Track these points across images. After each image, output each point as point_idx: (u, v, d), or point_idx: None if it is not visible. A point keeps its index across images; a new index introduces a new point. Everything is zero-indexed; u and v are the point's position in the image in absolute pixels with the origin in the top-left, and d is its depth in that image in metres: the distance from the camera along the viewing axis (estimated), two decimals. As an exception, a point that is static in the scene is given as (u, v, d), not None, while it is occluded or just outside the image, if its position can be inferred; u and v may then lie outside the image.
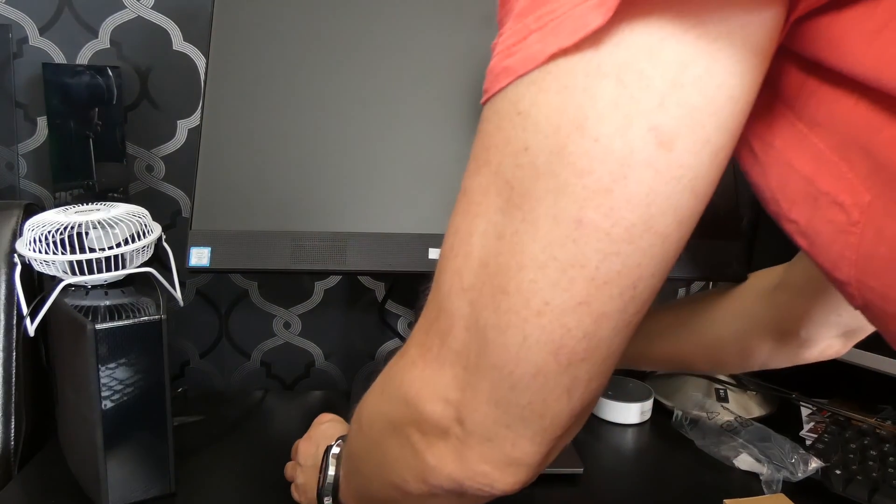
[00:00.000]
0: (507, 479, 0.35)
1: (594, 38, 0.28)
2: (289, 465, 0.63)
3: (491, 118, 0.32)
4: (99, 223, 0.60)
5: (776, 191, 0.34)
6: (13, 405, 0.71)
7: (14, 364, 0.72)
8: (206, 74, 0.67)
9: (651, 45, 0.27)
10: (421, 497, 0.38)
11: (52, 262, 0.60)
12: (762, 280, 0.68)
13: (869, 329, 0.64)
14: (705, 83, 0.28)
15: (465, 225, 0.33)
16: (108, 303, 0.61)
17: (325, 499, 0.51)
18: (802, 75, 0.31)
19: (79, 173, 0.80)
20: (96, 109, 0.79)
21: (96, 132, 0.80)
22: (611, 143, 0.28)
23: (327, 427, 0.60)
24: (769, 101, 0.33)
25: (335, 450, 0.52)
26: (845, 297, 0.33)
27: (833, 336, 0.65)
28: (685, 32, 0.27)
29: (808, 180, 0.32)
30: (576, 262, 0.30)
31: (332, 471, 0.51)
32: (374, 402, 0.41)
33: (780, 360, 0.67)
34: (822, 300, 0.62)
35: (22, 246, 0.61)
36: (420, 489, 0.38)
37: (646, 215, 0.29)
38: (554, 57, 0.28)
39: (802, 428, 0.81)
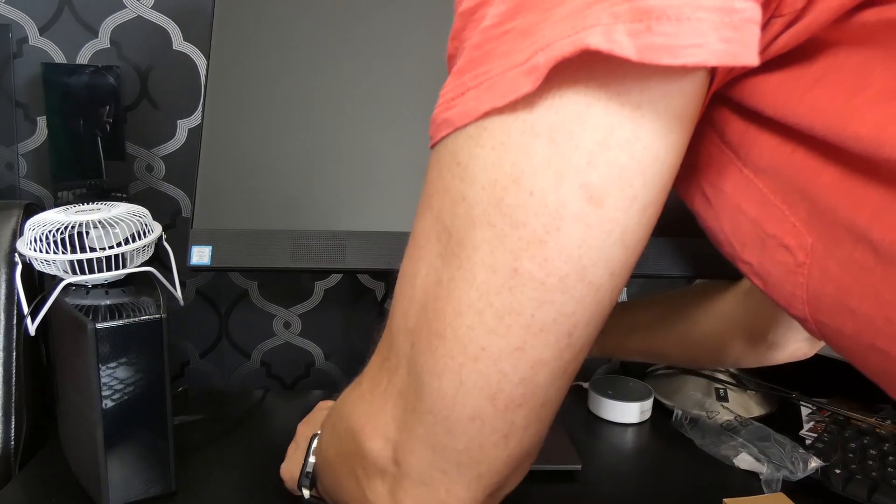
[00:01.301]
0: None
1: (527, 101, 0.29)
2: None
3: (434, 165, 0.33)
4: (99, 222, 0.61)
5: (729, 234, 0.35)
6: (13, 405, 0.72)
7: (14, 364, 0.72)
8: (206, 74, 0.67)
9: (579, 110, 0.28)
10: None
11: (52, 262, 0.60)
12: (739, 282, 0.70)
13: None
14: (632, 145, 0.29)
15: (410, 267, 0.34)
16: (108, 302, 0.61)
17: (304, 488, 0.52)
18: (744, 123, 0.32)
19: (84, 172, 0.80)
20: (107, 107, 0.79)
21: (104, 130, 0.80)
22: (544, 196, 0.29)
23: (324, 415, 0.60)
24: (718, 149, 0.34)
25: (316, 442, 0.53)
26: (807, 331, 0.34)
27: (800, 340, 0.67)
28: (609, 100, 0.28)
29: (756, 223, 0.33)
30: (512, 309, 0.31)
31: (312, 458, 0.52)
32: (330, 428, 0.42)
33: (750, 360, 0.70)
34: None
35: (22, 245, 0.61)
36: None
37: (578, 266, 0.30)
38: (488, 114, 0.30)
39: (802, 427, 0.81)
